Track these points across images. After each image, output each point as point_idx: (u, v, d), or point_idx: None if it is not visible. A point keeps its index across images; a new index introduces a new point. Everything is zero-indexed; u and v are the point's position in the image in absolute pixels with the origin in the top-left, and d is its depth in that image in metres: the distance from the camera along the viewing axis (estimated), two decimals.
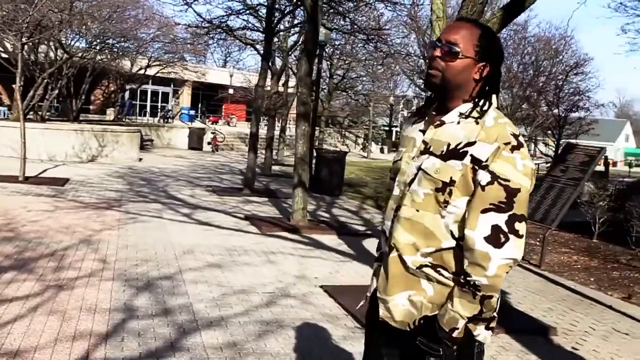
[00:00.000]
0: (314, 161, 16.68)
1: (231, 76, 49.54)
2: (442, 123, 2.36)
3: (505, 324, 6.07)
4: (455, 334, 2.23)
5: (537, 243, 10.56)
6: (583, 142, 18.86)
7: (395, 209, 2.43)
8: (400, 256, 2.37)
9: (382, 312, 2.45)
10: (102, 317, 5.52)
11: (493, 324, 2.30)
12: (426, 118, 2.47)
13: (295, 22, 21.79)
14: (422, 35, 49.81)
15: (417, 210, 2.33)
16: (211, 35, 20.55)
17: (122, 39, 32.17)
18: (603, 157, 7.94)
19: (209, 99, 55.26)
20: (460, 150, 2.26)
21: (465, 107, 2.35)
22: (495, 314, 2.29)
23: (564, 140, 25.02)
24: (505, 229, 2.18)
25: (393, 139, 63.09)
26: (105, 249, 8.20)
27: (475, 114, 2.31)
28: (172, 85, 51.42)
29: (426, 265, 2.32)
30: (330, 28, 17.68)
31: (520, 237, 2.20)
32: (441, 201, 2.27)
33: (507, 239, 2.17)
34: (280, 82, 25.06)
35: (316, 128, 37.45)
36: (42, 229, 9.19)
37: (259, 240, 9.75)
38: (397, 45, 30.01)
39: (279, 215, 12.80)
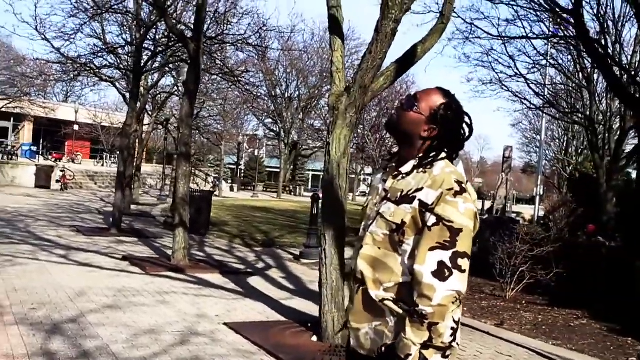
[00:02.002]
0: None
1: (76, 112, 48.19)
2: (399, 173, 2.67)
3: None
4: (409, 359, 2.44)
5: None
6: None
7: (359, 248, 2.70)
8: (365, 290, 2.61)
9: (352, 342, 2.71)
10: None
11: (449, 353, 2.48)
12: (387, 170, 2.79)
13: (157, 63, 21.76)
14: (271, 76, 51.00)
15: (379, 249, 2.60)
16: (77, 73, 20.12)
17: None
18: None
19: (52, 135, 53.28)
20: (410, 196, 2.54)
21: (418, 159, 2.66)
22: (452, 343, 2.48)
23: None
24: (449, 264, 2.42)
25: (241, 177, 63.51)
26: None
27: (421, 167, 2.62)
28: (12, 120, 49.16)
29: (388, 299, 2.56)
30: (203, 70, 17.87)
31: (463, 271, 2.45)
32: (397, 241, 2.54)
33: (451, 274, 2.42)
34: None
35: (169, 166, 37.29)
36: None
37: (147, 281, 9.78)
38: (250, 86, 30.55)
39: (155, 255, 12.80)
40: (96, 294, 8.51)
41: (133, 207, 24.55)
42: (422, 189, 2.54)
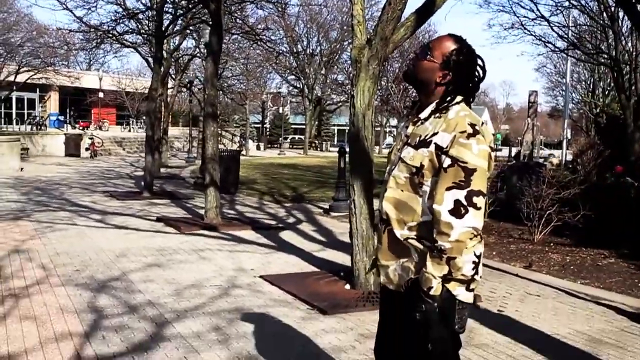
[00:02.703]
0: None
1: (100, 79, 48.55)
2: (419, 119, 2.86)
3: None
4: (432, 292, 2.62)
5: None
6: None
7: (384, 191, 2.90)
8: (391, 230, 2.83)
9: (382, 278, 2.94)
10: (73, 319, 5.78)
11: (473, 286, 2.67)
12: (409, 117, 2.99)
13: (178, 26, 21.85)
14: (292, 32, 50.83)
15: (402, 191, 2.80)
16: (100, 41, 20.33)
17: None
18: None
19: (78, 104, 53.78)
20: (427, 140, 2.73)
21: (434, 105, 2.84)
22: (475, 276, 2.65)
23: None
24: (464, 202, 2.59)
25: (267, 135, 63.71)
26: (38, 258, 8.32)
27: (438, 112, 2.80)
28: (37, 91, 49.68)
29: (412, 237, 2.77)
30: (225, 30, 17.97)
31: (479, 209, 2.62)
32: (417, 183, 2.74)
33: (467, 211, 2.59)
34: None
35: (195, 128, 37.58)
36: None
37: (182, 240, 10.08)
38: (271, 43, 30.56)
39: (188, 215, 13.11)
40: (135, 254, 8.82)
41: (162, 170, 24.92)
42: (437, 133, 2.71)
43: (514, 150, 36.37)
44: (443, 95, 2.82)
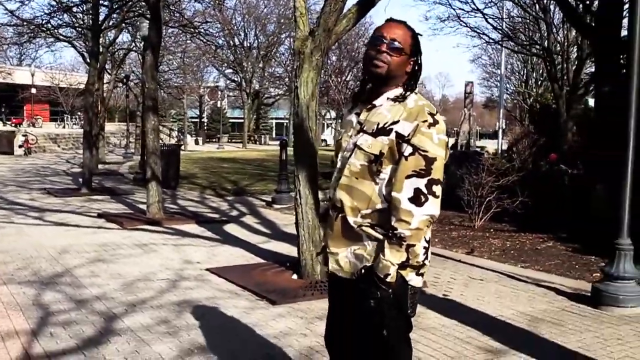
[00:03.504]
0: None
1: (33, 75, 47.39)
2: (373, 106, 2.83)
3: None
4: (388, 279, 2.66)
5: None
6: None
7: (337, 178, 2.88)
8: (344, 217, 2.82)
9: (331, 265, 2.93)
10: (18, 317, 5.66)
11: (423, 271, 2.76)
12: (360, 103, 2.94)
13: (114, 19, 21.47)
14: (229, 26, 50.49)
15: (356, 178, 2.78)
16: (33, 35, 19.83)
17: None
18: None
19: (9, 100, 52.30)
20: (387, 128, 2.72)
21: (392, 92, 2.82)
22: (425, 261, 2.75)
23: None
24: (424, 190, 2.64)
25: (205, 129, 63.19)
26: None
27: (400, 98, 2.79)
28: None
29: (366, 225, 2.77)
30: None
31: (437, 197, 2.67)
32: (374, 171, 2.74)
33: (427, 199, 2.64)
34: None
35: (132, 123, 37.06)
36: None
37: (125, 235, 9.98)
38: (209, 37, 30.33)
39: (129, 210, 12.95)
40: (78, 250, 8.69)
41: (100, 166, 24.51)
42: (398, 121, 2.72)
43: (451, 141, 36.90)
44: (406, 83, 2.84)
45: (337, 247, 2.90)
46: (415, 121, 2.69)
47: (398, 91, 2.82)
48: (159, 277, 7.24)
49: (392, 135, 2.70)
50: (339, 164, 2.92)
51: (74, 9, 19.12)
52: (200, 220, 11.59)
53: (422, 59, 2.90)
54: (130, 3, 17.64)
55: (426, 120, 2.68)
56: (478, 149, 25.10)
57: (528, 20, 28.36)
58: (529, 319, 5.97)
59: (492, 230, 10.82)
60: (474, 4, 23.53)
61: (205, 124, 66.52)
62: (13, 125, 43.53)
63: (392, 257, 2.67)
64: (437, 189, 2.67)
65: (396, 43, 2.77)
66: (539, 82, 40.17)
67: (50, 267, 7.63)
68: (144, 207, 12.08)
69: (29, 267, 7.62)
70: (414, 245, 2.67)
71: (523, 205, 11.06)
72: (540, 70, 38.44)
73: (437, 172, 2.67)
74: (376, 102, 2.84)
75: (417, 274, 2.74)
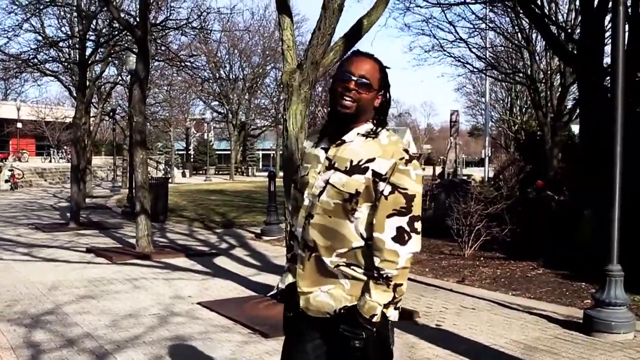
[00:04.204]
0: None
1: (18, 109, 47.35)
2: (343, 142, 2.73)
3: None
4: (374, 320, 2.61)
5: None
6: None
7: (307, 217, 2.76)
8: (318, 257, 2.71)
9: (302, 303, 2.78)
10: (9, 355, 5.62)
11: (400, 304, 2.70)
12: (326, 138, 2.82)
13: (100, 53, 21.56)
14: (214, 58, 50.76)
15: (330, 217, 2.68)
16: (19, 70, 19.87)
17: None
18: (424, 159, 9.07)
19: None
20: (362, 166, 2.63)
21: (363, 128, 2.73)
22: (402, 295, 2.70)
23: None
24: (407, 228, 2.59)
25: (191, 162, 63.16)
26: None
27: (371, 134, 2.71)
28: None
29: (342, 265, 2.69)
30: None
31: (419, 233, 2.63)
32: (349, 209, 2.65)
33: (410, 237, 2.60)
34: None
35: (119, 157, 37.01)
36: None
37: (115, 270, 9.92)
38: (196, 69, 30.46)
39: (118, 245, 12.89)
40: (67, 286, 8.64)
41: (88, 200, 24.38)
42: (374, 159, 2.64)
43: (438, 170, 37.06)
44: (376, 119, 2.77)
45: (308, 287, 2.78)
46: (392, 159, 2.63)
47: (368, 126, 2.74)
48: (151, 312, 7.20)
49: (369, 174, 2.63)
50: (306, 202, 2.80)
51: (61, 44, 19.18)
52: (190, 254, 11.55)
53: (390, 92, 2.82)
54: (117, 37, 17.71)
55: (403, 158, 2.63)
56: (465, 177, 25.23)
57: (511, 49, 28.68)
58: (522, 347, 5.98)
59: (482, 258, 10.84)
60: (458, 34, 23.73)
61: (192, 156, 66.51)
62: None
63: (379, 297, 2.62)
64: (418, 225, 2.64)
65: (364, 80, 2.69)
66: (524, 110, 40.50)
67: (40, 304, 7.57)
68: (133, 240, 12.03)
69: (18, 304, 7.56)
70: (401, 285, 2.64)
71: (512, 232, 11.12)
72: (525, 98, 38.76)
73: (417, 208, 2.64)
74: (346, 138, 2.75)
75: (395, 308, 2.70)
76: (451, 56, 25.86)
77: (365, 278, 2.68)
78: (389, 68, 2.82)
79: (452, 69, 79.08)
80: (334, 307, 2.71)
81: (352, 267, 2.69)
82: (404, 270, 2.61)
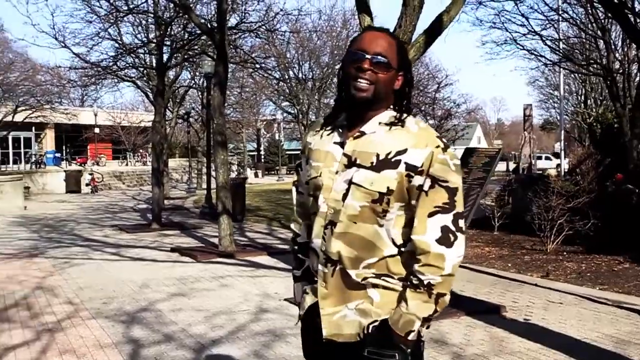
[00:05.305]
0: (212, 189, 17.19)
1: (96, 115, 48.77)
2: (362, 134, 2.34)
3: (463, 307, 6.96)
4: (410, 337, 2.24)
5: None
6: (458, 147, 20.42)
7: (327, 225, 2.35)
8: (343, 270, 2.32)
9: (326, 330, 2.37)
10: (111, 350, 5.88)
11: (432, 320, 2.32)
12: (340, 130, 2.43)
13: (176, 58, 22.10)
14: (284, 59, 51.22)
15: (355, 223, 2.29)
16: (100, 77, 20.58)
17: None
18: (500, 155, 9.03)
19: (74, 141, 54.00)
20: (392, 160, 2.25)
21: (384, 116, 2.35)
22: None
23: None
24: (452, 228, 2.23)
25: (264, 162, 63.88)
26: (63, 293, 8.42)
27: (396, 122, 2.33)
28: (33, 130, 49.84)
29: (370, 277, 2.30)
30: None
31: (464, 232, 2.28)
32: (379, 211, 2.26)
33: (456, 238, 2.24)
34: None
35: (194, 159, 37.74)
36: None
37: (201, 268, 10.19)
38: (269, 71, 30.85)
39: (200, 244, 13.21)
40: (158, 284, 8.93)
41: (165, 201, 24.97)
42: (405, 150, 2.26)
43: (512, 165, 36.59)
44: (398, 103, 2.39)
45: (332, 306, 2.36)
46: (427, 148, 2.25)
47: (390, 114, 2.36)
48: (241, 309, 7.39)
49: (401, 168, 2.24)
50: (323, 208, 2.38)
51: (139, 50, 19.74)
52: (272, 252, 11.76)
53: (411, 72, 2.46)
54: (192, 42, 18.12)
55: (438, 145, 2.26)
56: (540, 172, 24.86)
57: (584, 40, 28.07)
58: (615, 341, 5.92)
59: (565, 253, 10.72)
60: (531, 26, 23.36)
61: (263, 156, 67.28)
62: (78, 164, 44.83)
63: (418, 309, 2.24)
64: (463, 224, 2.28)
65: (381, 57, 2.29)
66: (599, 102, 39.57)
67: (134, 302, 7.86)
68: (214, 240, 12.32)
69: (114, 302, 7.87)
70: (444, 295, 2.25)
71: (595, 226, 10.94)
72: (600, 89, 37.87)
73: (461, 203, 2.28)
74: (365, 129, 2.35)
75: (428, 326, 2.34)
76: (524, 49, 25.48)
77: (398, 287, 2.32)
78: (407, 44, 2.52)
79: (524, 62, 77.73)
80: (363, 323, 2.32)
81: (382, 277, 2.31)
82: (449, 278, 2.24)
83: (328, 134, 2.44)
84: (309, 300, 2.50)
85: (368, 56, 2.28)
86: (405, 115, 2.34)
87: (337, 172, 2.34)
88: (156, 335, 6.34)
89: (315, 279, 2.44)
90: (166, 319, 6.99)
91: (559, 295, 7.86)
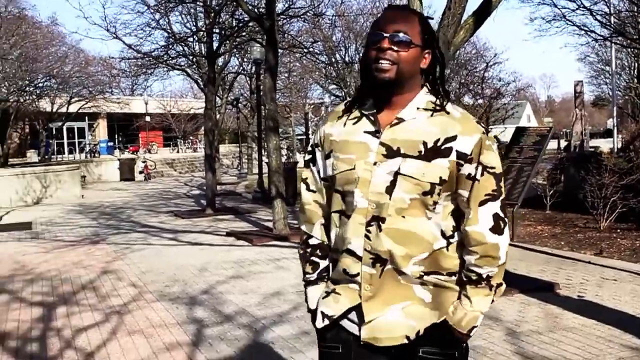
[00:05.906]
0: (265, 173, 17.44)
1: (146, 104, 49.59)
2: (401, 120, 2.19)
3: (517, 285, 7.05)
4: (472, 333, 2.20)
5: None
6: (508, 126, 20.27)
7: (371, 222, 2.18)
8: (393, 269, 2.18)
9: (366, 333, 2.23)
10: (177, 330, 6.15)
11: None
12: (371, 118, 2.25)
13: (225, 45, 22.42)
14: (330, 42, 51.28)
15: (403, 217, 2.15)
16: (153, 67, 21.02)
17: (47, 77, 32.25)
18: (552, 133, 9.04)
19: (126, 129, 55.09)
20: (443, 147, 2.13)
21: (421, 100, 2.22)
22: None
23: (491, 126, 26.32)
24: (501, 214, 2.17)
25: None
26: (127, 277, 8.75)
27: (438, 107, 2.21)
28: (86, 120, 50.98)
29: (423, 274, 2.19)
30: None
31: (507, 218, 2.22)
32: (430, 203, 2.15)
33: (505, 224, 2.19)
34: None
35: (244, 144, 38.14)
36: (54, 267, 9.63)
37: (257, 251, 10.44)
38: (317, 55, 31.00)
39: (255, 228, 13.48)
40: (216, 267, 9.20)
41: (218, 187, 25.40)
42: (454, 137, 2.14)
43: (563, 142, 36.13)
44: (431, 85, 2.27)
45: (379, 309, 2.21)
46: (475, 134, 2.15)
47: (428, 98, 2.23)
48: (296, 290, 7.59)
49: (453, 156, 2.13)
50: (362, 203, 2.19)
51: (189, 39, 20.09)
52: None
53: (438, 50, 2.28)
54: (241, 29, 18.35)
55: (484, 132, 2.19)
56: (592, 149, 24.56)
57: (637, 14, 27.52)
58: None
59: (618, 230, 10.68)
60: (580, 1, 23.01)
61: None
62: (131, 152, 45.76)
63: (482, 304, 2.20)
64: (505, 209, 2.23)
65: (401, 35, 2.13)
66: None
67: (195, 285, 8.14)
68: (268, 224, 12.57)
69: (175, 285, 8.16)
70: (501, 284, 2.23)
71: None
72: None
73: (504, 188, 2.23)
74: (403, 116, 2.19)
75: None
76: (574, 24, 25.14)
77: (449, 283, 2.23)
78: (431, 19, 2.35)
79: (574, 39, 76.30)
80: (416, 327, 2.19)
81: (432, 274, 2.20)
82: (503, 266, 2.21)
83: (354, 123, 2.27)
84: (333, 307, 2.31)
85: (387, 35, 2.13)
86: (445, 100, 2.21)
87: (375, 164, 2.17)
88: (218, 316, 6.59)
89: (344, 284, 2.28)
90: (226, 300, 7.25)
91: (613, 272, 7.88)
